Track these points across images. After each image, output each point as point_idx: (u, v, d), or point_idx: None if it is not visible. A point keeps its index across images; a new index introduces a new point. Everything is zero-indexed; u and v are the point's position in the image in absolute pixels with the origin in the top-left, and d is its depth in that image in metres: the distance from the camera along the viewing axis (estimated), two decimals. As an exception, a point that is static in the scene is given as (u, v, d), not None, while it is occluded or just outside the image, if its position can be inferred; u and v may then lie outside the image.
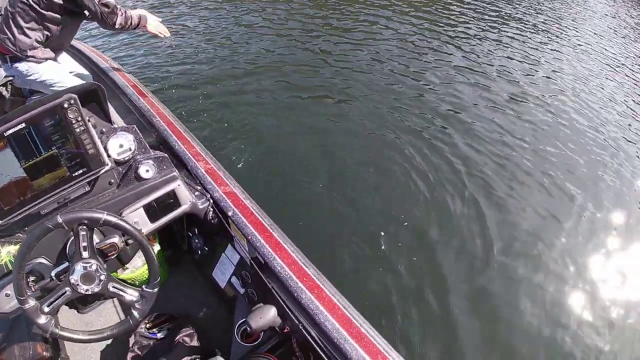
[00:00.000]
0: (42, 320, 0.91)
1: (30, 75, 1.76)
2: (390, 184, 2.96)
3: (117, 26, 1.74)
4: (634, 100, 5.23)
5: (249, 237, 1.23)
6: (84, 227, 0.91)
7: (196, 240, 1.56)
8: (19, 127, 0.93)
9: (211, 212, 1.35)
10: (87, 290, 0.94)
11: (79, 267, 0.93)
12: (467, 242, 2.58)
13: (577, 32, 7.59)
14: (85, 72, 2.02)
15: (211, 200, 1.35)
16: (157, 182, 1.23)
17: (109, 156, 1.14)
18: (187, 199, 1.29)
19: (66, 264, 0.99)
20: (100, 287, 0.96)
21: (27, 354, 1.14)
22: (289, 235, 1.26)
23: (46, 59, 1.78)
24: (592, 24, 8.41)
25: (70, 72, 1.94)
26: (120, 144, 1.19)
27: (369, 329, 1.03)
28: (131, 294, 1.00)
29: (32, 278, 0.97)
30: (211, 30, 5.06)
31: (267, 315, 1.09)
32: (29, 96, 2.13)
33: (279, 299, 1.15)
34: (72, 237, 1.02)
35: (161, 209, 1.24)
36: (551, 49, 6.23)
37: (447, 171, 3.14)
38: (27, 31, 1.65)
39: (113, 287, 0.98)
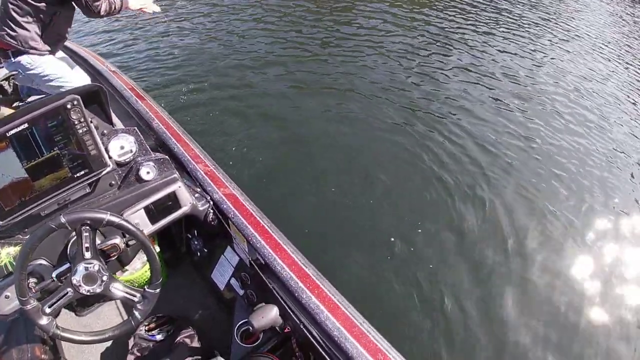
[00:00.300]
0: (43, 321, 0.90)
1: (33, 69, 1.78)
2: (391, 182, 2.96)
3: (102, 13, 1.77)
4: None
5: (250, 239, 1.24)
6: (87, 227, 0.91)
7: (195, 242, 1.56)
8: (22, 127, 0.92)
9: (211, 214, 1.36)
10: (89, 291, 0.94)
11: (81, 268, 0.93)
12: (467, 240, 2.61)
13: (577, 29, 7.66)
14: (84, 74, 2.02)
15: (211, 202, 1.35)
16: (158, 183, 1.23)
17: (110, 158, 1.15)
18: (188, 200, 1.29)
19: (67, 265, 0.99)
20: (102, 288, 0.96)
21: (25, 356, 1.13)
22: (291, 237, 1.27)
23: (48, 51, 1.81)
24: (591, 21, 8.51)
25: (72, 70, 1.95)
26: (121, 146, 1.19)
27: (369, 327, 1.04)
28: (133, 295, 1.00)
29: (32, 279, 0.97)
30: (211, 30, 5.08)
31: (268, 315, 1.10)
32: (27, 98, 2.13)
33: (279, 299, 1.16)
34: (74, 238, 1.02)
35: (161, 210, 1.25)
36: (557, 45, 6.27)
37: (455, 170, 3.13)
38: (25, 24, 1.68)
39: (115, 287, 0.98)
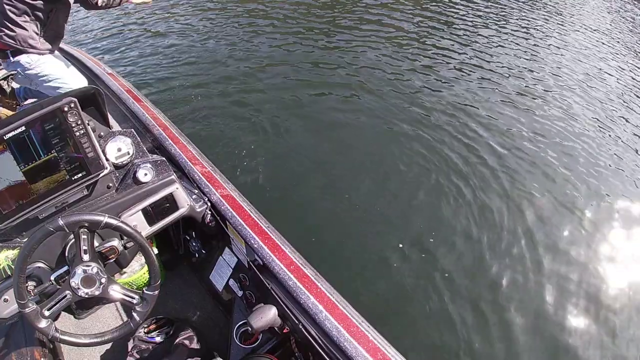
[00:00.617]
0: (42, 324, 0.90)
1: (33, 68, 1.78)
2: (391, 181, 2.98)
3: (100, 4, 1.77)
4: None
5: (248, 240, 1.24)
6: (85, 230, 0.92)
7: (193, 244, 1.56)
8: (19, 130, 0.92)
9: (209, 215, 1.36)
10: (87, 293, 0.94)
11: (79, 271, 0.93)
12: (465, 240, 2.62)
13: (577, 27, 7.67)
14: (81, 76, 2.02)
15: (209, 204, 1.36)
16: (156, 185, 1.23)
17: (107, 160, 1.15)
18: (185, 202, 1.29)
19: (66, 268, 0.99)
20: (100, 291, 0.96)
21: (24, 359, 1.13)
22: (291, 237, 1.28)
23: (48, 50, 1.81)
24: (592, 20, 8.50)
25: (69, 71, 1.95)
26: (118, 148, 1.19)
27: (368, 327, 1.05)
28: (132, 297, 1.00)
29: (31, 282, 0.97)
30: (212, 30, 5.07)
31: (267, 315, 1.10)
32: (24, 101, 2.12)
33: (278, 299, 1.16)
34: (72, 241, 1.02)
35: (159, 212, 1.25)
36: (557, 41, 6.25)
37: (463, 170, 3.13)
38: (23, 24, 1.69)
39: (113, 290, 0.98)
